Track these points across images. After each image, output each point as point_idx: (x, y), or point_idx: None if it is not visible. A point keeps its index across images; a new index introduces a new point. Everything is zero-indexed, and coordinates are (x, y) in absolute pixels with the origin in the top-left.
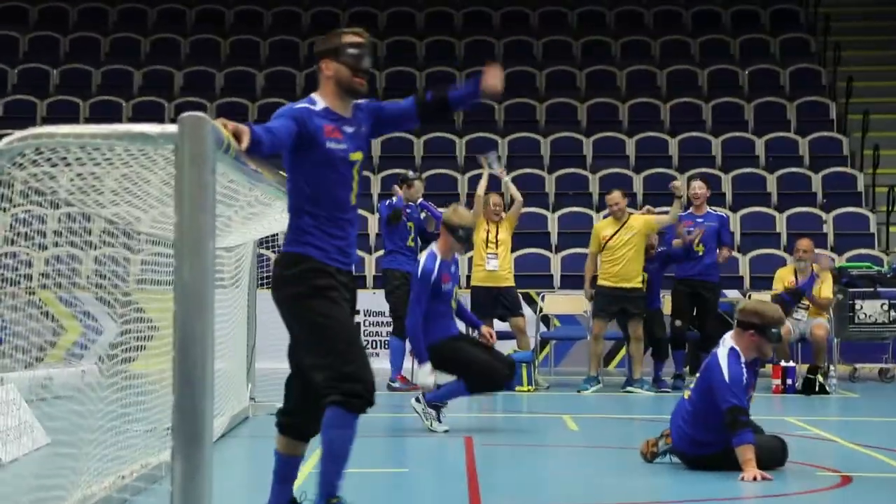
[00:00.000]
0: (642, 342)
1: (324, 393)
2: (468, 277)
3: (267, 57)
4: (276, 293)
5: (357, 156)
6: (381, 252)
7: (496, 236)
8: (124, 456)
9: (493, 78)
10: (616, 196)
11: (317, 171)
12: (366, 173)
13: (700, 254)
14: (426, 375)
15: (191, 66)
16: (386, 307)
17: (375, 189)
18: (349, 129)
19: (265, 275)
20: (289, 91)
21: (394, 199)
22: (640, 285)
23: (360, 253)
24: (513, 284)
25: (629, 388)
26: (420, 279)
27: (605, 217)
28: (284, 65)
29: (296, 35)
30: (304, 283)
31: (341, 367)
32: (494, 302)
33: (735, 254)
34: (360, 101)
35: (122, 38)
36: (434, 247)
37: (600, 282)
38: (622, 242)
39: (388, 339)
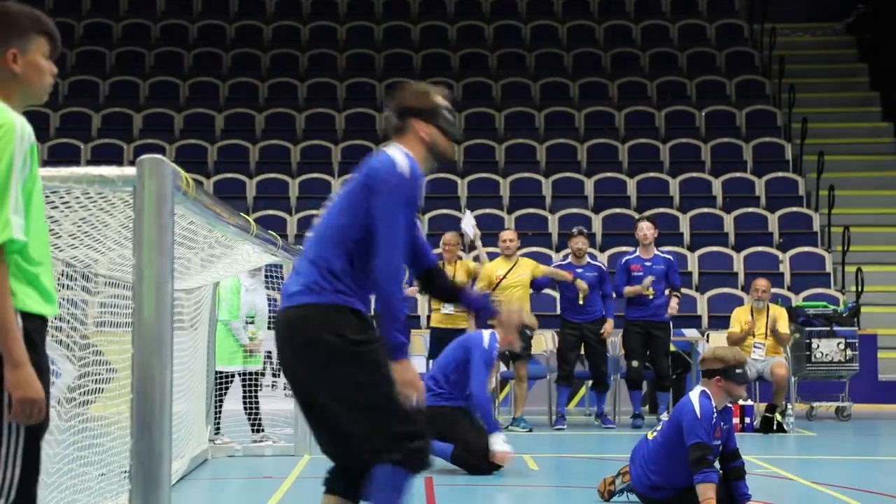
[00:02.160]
0: (525, 382)
1: (384, 452)
2: (428, 318)
3: (226, 98)
4: (336, 359)
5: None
6: None
7: (453, 277)
8: (80, 500)
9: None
10: (509, 234)
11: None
12: None
13: (650, 297)
14: (501, 444)
15: (150, 108)
16: None
17: None
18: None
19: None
20: (248, 132)
21: None
22: (535, 324)
23: None
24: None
25: (511, 427)
26: (485, 355)
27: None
28: (245, 106)
29: (255, 77)
30: (373, 343)
31: (404, 425)
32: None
33: (693, 293)
34: None
35: (80, 80)
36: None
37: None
38: (512, 283)
39: None
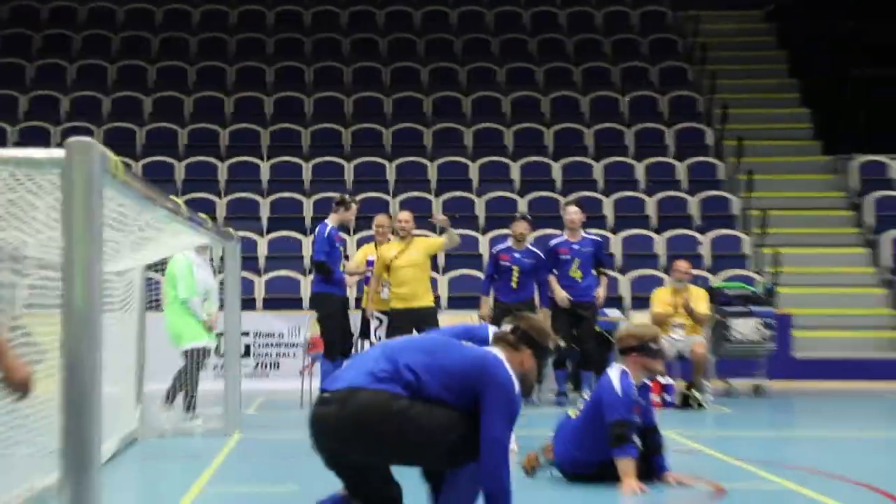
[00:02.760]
0: None
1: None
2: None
3: (155, 81)
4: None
5: None
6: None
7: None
8: (9, 479)
9: None
10: (404, 215)
11: None
12: (298, 196)
13: (578, 280)
14: None
15: (78, 91)
16: (273, 328)
17: (308, 212)
18: None
19: (153, 298)
20: (177, 115)
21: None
22: (431, 304)
23: (294, 275)
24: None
25: None
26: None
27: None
28: (174, 90)
29: (184, 61)
30: None
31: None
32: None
33: (615, 274)
34: None
35: (7, 63)
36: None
37: (392, 304)
38: (404, 263)
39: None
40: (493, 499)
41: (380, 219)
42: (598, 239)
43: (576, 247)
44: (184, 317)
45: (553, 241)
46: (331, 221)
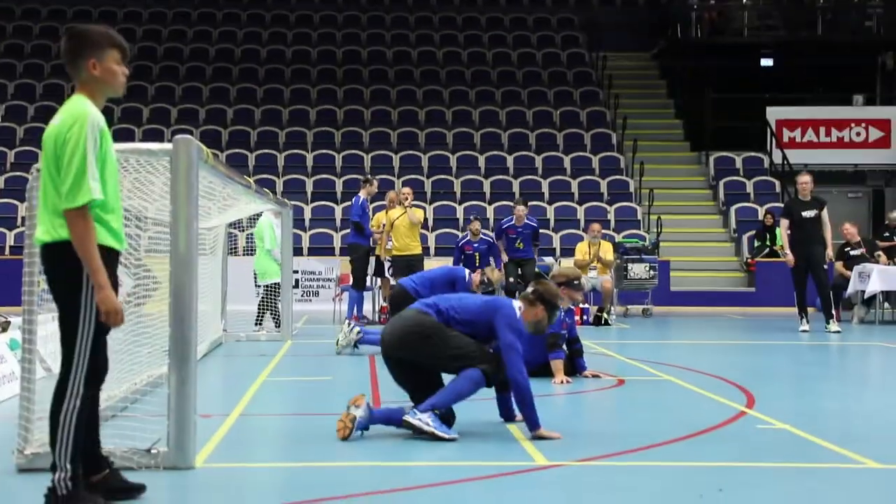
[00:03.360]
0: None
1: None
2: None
3: (234, 97)
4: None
5: None
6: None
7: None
8: (135, 368)
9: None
10: (407, 190)
11: None
12: (331, 177)
13: (521, 248)
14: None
15: (182, 104)
16: (314, 268)
17: (339, 188)
18: None
19: (232, 246)
20: (249, 120)
21: (361, 195)
22: (419, 252)
23: (329, 231)
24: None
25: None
26: (521, 328)
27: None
28: (248, 103)
29: (254, 83)
30: None
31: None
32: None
33: (550, 233)
34: None
35: (135, 84)
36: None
37: (393, 252)
38: (404, 224)
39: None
40: (517, 386)
41: (391, 195)
42: (536, 224)
43: (520, 229)
44: (267, 261)
45: (504, 223)
46: (362, 194)
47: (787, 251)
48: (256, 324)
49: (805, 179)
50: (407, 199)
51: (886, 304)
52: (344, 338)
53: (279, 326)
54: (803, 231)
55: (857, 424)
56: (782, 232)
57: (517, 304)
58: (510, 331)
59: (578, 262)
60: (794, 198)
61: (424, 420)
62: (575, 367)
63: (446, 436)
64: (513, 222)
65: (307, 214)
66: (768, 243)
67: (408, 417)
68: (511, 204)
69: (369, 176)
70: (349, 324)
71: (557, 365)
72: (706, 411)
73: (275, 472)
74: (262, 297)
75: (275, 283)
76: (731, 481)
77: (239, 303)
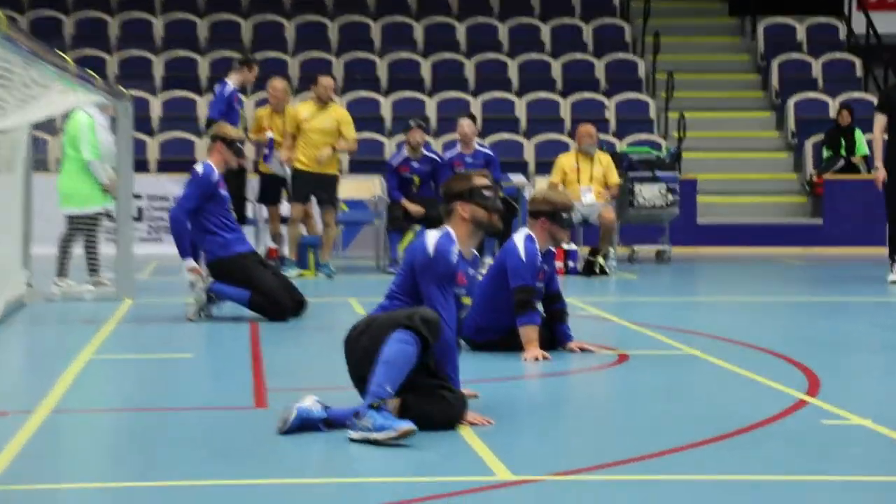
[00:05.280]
0: (332, 229)
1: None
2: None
3: None
4: None
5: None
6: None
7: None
8: None
9: None
10: (326, 80)
11: None
12: (193, 55)
13: None
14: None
15: None
16: (167, 191)
17: (203, 72)
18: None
19: (39, 158)
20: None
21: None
22: (335, 172)
23: (188, 136)
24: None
25: (320, 272)
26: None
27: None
28: None
29: None
30: None
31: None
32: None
33: (520, 139)
34: None
35: None
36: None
37: (296, 165)
38: (316, 128)
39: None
40: (443, 344)
41: (276, 83)
42: (491, 154)
43: (469, 160)
44: (79, 179)
45: (448, 154)
46: (231, 81)
47: (879, 164)
48: (58, 275)
49: None
50: (328, 93)
51: None
52: (195, 296)
53: (94, 274)
54: None
55: None
56: (875, 133)
57: (459, 229)
58: (432, 280)
59: (551, 187)
60: (894, 85)
61: (364, 426)
62: (556, 336)
63: (395, 433)
64: (457, 150)
65: (155, 111)
66: (844, 153)
67: (350, 433)
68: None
69: (250, 56)
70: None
71: (530, 333)
72: (747, 399)
73: (106, 496)
74: (65, 235)
75: (94, 215)
76: (780, 501)
77: (51, 243)
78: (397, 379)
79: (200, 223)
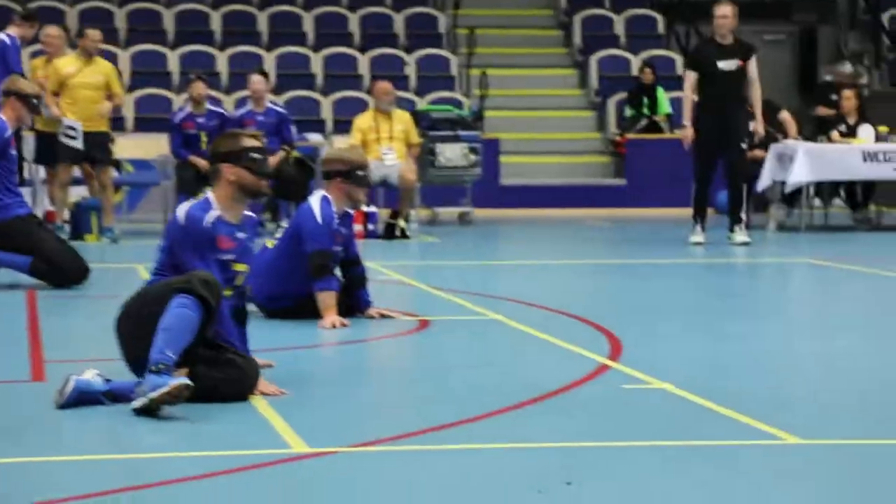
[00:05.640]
0: (110, 189)
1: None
2: None
3: None
4: None
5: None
6: None
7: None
8: None
9: None
10: (94, 33)
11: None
12: None
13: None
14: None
15: None
16: None
17: None
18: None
19: None
20: None
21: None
22: (105, 129)
23: None
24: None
25: (103, 236)
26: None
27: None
28: None
29: None
30: None
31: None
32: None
33: (316, 95)
34: None
35: None
36: None
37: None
38: (84, 83)
39: None
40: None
41: (51, 29)
42: (284, 112)
43: (260, 118)
44: None
45: (238, 112)
46: (10, 34)
47: (687, 122)
48: None
49: (725, 11)
50: (96, 46)
51: (817, 201)
52: None
53: None
54: (718, 91)
55: (770, 381)
56: (686, 92)
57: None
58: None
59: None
60: (704, 41)
61: (142, 391)
62: (354, 302)
63: (168, 388)
64: (248, 107)
65: None
66: (647, 111)
67: (132, 404)
68: (245, 74)
69: (28, 6)
70: None
71: (327, 299)
72: (550, 365)
73: None
74: None
75: None
76: (583, 468)
77: None
78: (179, 344)
79: None
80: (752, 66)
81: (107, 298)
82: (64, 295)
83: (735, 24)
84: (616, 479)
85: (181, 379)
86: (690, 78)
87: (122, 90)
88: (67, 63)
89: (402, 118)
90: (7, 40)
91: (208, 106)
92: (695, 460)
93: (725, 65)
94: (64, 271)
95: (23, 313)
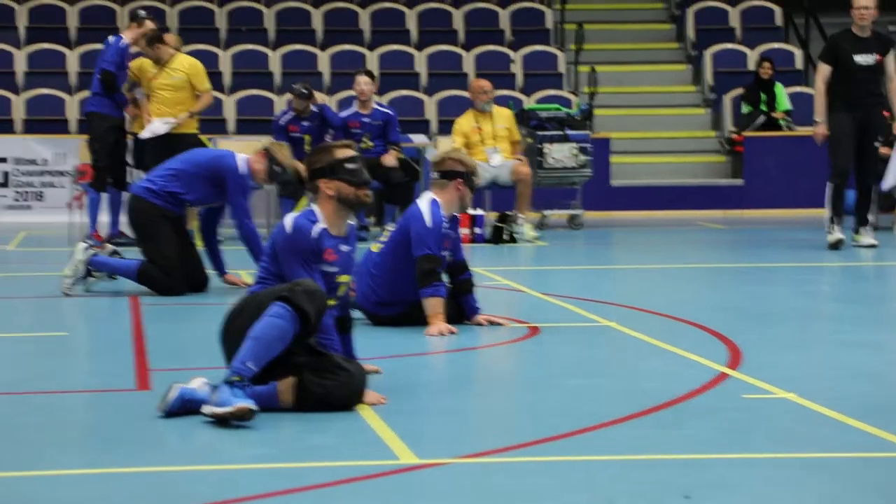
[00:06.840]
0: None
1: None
2: None
3: None
4: None
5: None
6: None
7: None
8: None
9: None
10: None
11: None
12: (60, 3)
13: (371, 147)
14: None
15: None
16: (35, 154)
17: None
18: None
19: None
20: None
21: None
22: (193, 131)
23: (58, 93)
24: None
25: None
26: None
27: None
28: None
29: None
30: None
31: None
32: None
33: (420, 95)
34: None
35: None
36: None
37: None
38: (165, 84)
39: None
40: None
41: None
42: (390, 112)
43: (366, 119)
44: None
45: (343, 114)
46: (126, 37)
47: (820, 118)
48: None
49: (867, 2)
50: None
51: None
52: (72, 268)
53: None
54: (854, 86)
55: None
56: (817, 85)
57: None
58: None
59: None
60: (841, 33)
61: (213, 401)
62: (462, 308)
63: (231, 408)
64: (354, 109)
65: (20, 65)
66: (765, 108)
67: (203, 408)
68: (352, 74)
69: (141, 11)
70: (87, 244)
71: (434, 306)
72: (666, 374)
73: None
74: None
75: None
76: (703, 482)
77: None
78: (264, 356)
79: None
80: (891, 61)
81: (210, 306)
82: (170, 302)
83: (876, 15)
84: (737, 493)
85: (245, 402)
86: (824, 71)
87: (208, 85)
88: (149, 67)
89: (503, 115)
90: (115, 38)
91: (312, 109)
92: (822, 474)
93: (863, 59)
94: (172, 278)
95: (126, 320)
